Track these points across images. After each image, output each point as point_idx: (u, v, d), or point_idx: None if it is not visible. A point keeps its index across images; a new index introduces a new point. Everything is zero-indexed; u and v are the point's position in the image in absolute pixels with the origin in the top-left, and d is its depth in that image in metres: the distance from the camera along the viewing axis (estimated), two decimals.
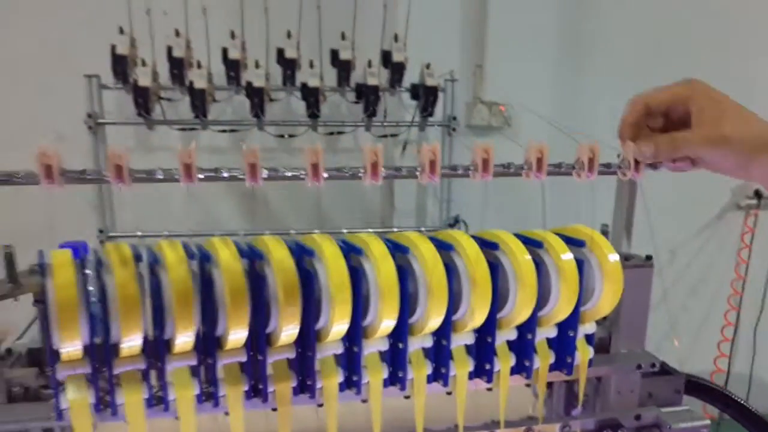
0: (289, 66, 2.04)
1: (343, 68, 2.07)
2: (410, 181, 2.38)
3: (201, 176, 0.70)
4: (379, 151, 0.67)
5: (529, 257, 0.77)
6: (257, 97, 1.96)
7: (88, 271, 0.67)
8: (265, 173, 0.69)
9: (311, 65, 2.01)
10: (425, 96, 2.12)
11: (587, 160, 0.73)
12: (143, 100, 1.88)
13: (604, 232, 0.89)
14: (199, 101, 1.92)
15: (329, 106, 2.19)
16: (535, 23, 2.51)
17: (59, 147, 0.70)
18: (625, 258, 0.90)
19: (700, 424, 0.92)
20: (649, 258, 0.90)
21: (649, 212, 0.88)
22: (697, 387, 0.98)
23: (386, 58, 2.11)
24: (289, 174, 0.69)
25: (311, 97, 2.01)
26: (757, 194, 2.78)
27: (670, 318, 2.91)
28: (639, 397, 0.94)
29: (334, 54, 2.08)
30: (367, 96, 2.06)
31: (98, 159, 2.06)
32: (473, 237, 0.79)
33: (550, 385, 0.99)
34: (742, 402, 0.99)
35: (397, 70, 2.10)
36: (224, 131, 2.15)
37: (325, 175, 0.68)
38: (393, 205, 2.49)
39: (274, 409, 0.77)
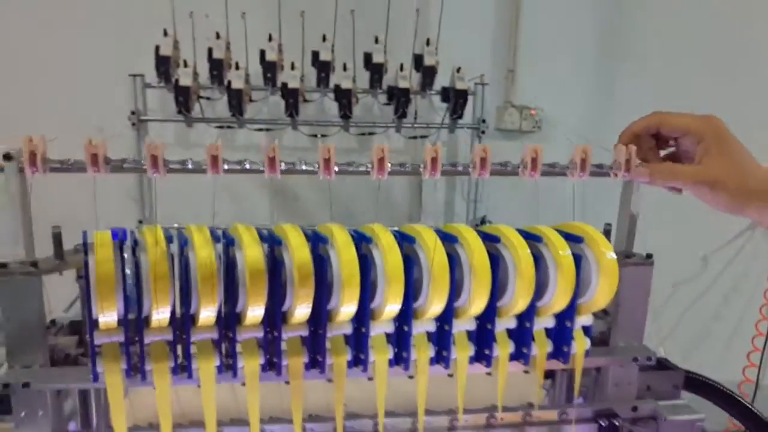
0: (323, 68, 2.13)
1: (376, 71, 2.15)
2: (440, 181, 2.43)
3: (226, 167, 0.78)
4: (386, 148, 0.74)
5: (528, 251, 0.82)
6: (292, 98, 2.05)
7: (125, 252, 0.75)
8: (283, 166, 0.76)
9: (344, 68, 2.08)
10: (455, 99, 2.17)
11: (580, 161, 0.78)
12: (184, 98, 1.99)
13: (607, 231, 0.93)
14: (236, 100, 2.01)
15: (361, 107, 2.27)
16: (569, 27, 2.54)
17: (106, 141, 0.79)
18: (626, 256, 0.94)
19: (695, 417, 0.95)
20: (649, 256, 0.94)
21: (638, 215, 0.92)
22: (696, 383, 1.02)
23: (418, 61, 2.17)
24: (304, 167, 0.76)
25: (344, 98, 2.09)
26: None
27: (701, 326, 2.90)
28: (637, 390, 0.98)
29: (367, 57, 2.15)
30: (398, 98, 2.13)
31: (140, 153, 2.18)
32: (477, 231, 0.85)
33: (551, 375, 1.04)
34: (741, 399, 1.01)
35: (428, 74, 2.16)
36: (260, 130, 2.24)
37: (336, 169, 0.75)
38: (420, 205, 2.55)
39: (287, 383, 0.84)
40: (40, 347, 0.84)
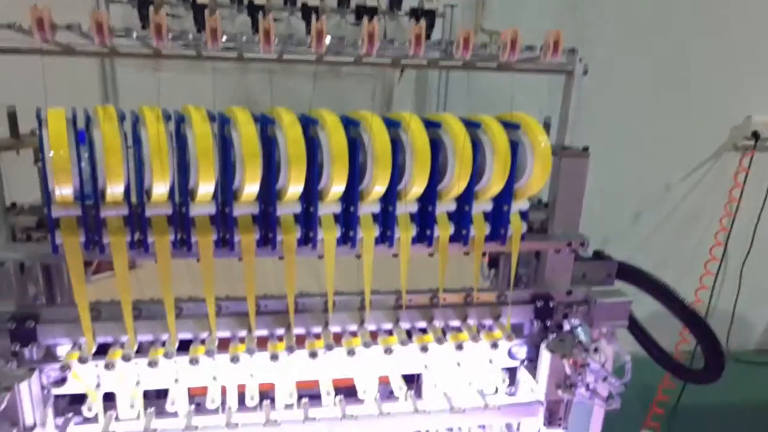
0: None
1: None
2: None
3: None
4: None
5: (466, 135, 0.87)
6: (258, 14, 2.03)
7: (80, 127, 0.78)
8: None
9: None
10: (423, 20, 2.17)
11: (510, 42, 0.82)
12: (148, 13, 1.96)
13: (546, 124, 0.98)
14: (202, 17, 1.99)
15: (329, 26, 2.25)
16: None
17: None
18: (563, 148, 0.99)
19: (624, 300, 1.03)
20: (585, 149, 0.99)
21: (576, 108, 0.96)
22: (628, 272, 1.08)
23: None
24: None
25: (311, 16, 2.08)
26: (755, 135, 2.81)
27: (661, 253, 3.01)
28: (573, 278, 1.05)
29: None
30: (366, 17, 2.12)
31: (104, 69, 2.17)
32: (420, 117, 0.89)
33: (495, 265, 1.11)
34: (666, 286, 1.09)
35: None
36: (228, 49, 2.22)
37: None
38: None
39: (281, 258, 0.89)
40: (1, 225, 0.87)
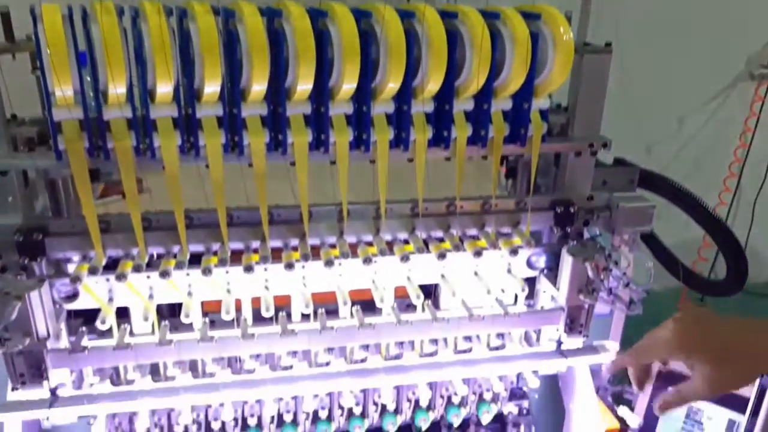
0: None
1: None
2: None
3: None
4: None
5: (484, 25, 0.82)
6: None
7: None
8: None
9: None
10: None
11: None
12: None
13: (567, 17, 0.92)
14: None
15: None
16: None
17: None
18: (585, 44, 0.94)
19: (647, 204, 0.99)
20: (608, 45, 0.94)
21: None
22: (650, 179, 1.05)
23: None
24: None
25: None
26: None
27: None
28: (593, 185, 1.01)
29: None
30: None
31: None
32: (438, 9, 0.84)
33: (513, 174, 1.07)
34: (692, 194, 1.05)
35: None
36: None
37: None
38: None
39: (293, 163, 0.86)
40: (2, 135, 0.84)
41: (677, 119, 2.82)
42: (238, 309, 0.96)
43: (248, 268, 0.89)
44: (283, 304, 0.99)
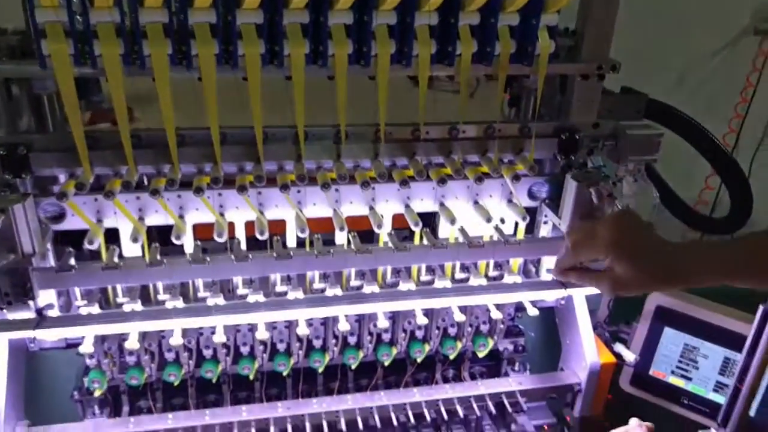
0: None
1: None
2: None
3: None
4: None
5: None
6: None
7: None
8: None
9: None
10: None
11: None
12: None
13: None
14: None
15: None
16: None
17: None
18: None
19: (654, 132, 0.96)
20: None
21: None
22: (657, 109, 1.02)
23: None
24: None
25: None
26: None
27: (670, 140, 2.94)
28: (599, 114, 0.98)
29: None
30: None
31: None
32: None
33: (517, 103, 1.04)
34: (699, 125, 1.03)
35: None
36: None
37: None
38: None
39: (289, 78, 0.82)
40: None
41: (678, 75, 2.77)
42: (232, 236, 0.93)
43: (242, 188, 0.86)
44: (278, 232, 0.96)
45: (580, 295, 1.06)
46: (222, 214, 0.92)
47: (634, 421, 0.98)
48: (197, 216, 0.92)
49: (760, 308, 0.90)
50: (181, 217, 0.92)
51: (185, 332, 0.93)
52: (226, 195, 0.92)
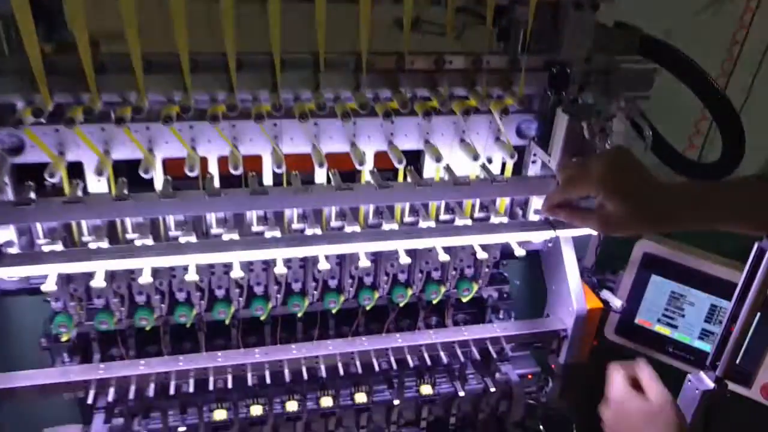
0: None
1: None
2: None
3: None
4: None
5: None
6: None
7: None
8: None
9: None
10: None
11: None
12: None
13: None
14: None
15: None
16: None
17: None
18: None
19: (647, 67, 0.93)
20: None
21: None
22: (651, 45, 0.97)
23: None
24: None
25: None
26: None
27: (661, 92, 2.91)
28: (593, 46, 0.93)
29: None
30: None
31: None
32: None
33: (506, 36, 0.98)
34: (694, 62, 0.99)
35: None
36: None
37: None
38: None
39: None
40: None
41: (664, 33, 2.73)
42: (205, 174, 0.88)
43: (214, 118, 0.81)
44: (254, 169, 0.91)
45: (567, 238, 1.03)
46: (194, 149, 0.87)
47: (641, 360, 0.95)
48: (167, 150, 0.87)
49: (756, 245, 0.87)
50: (150, 150, 0.86)
51: (156, 273, 0.88)
52: (197, 128, 0.86)
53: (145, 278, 0.83)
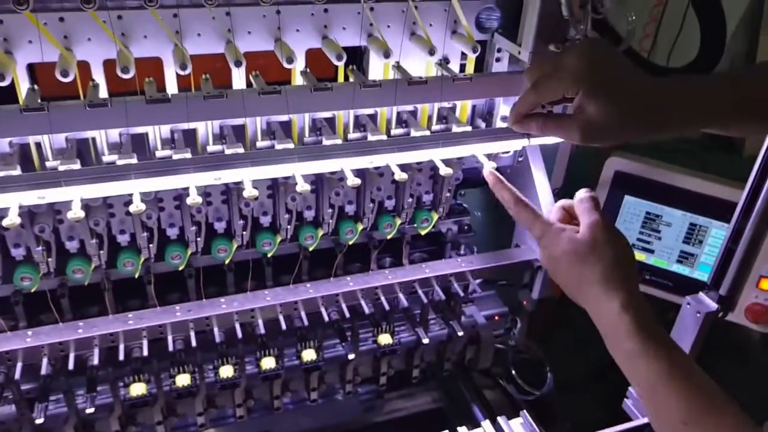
0: None
1: None
2: None
3: None
4: None
5: None
6: None
7: None
8: None
9: None
10: None
11: None
12: None
13: None
14: None
15: None
16: None
17: None
18: None
19: None
20: None
21: None
22: None
23: None
24: None
25: None
26: None
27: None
28: None
29: None
30: None
31: None
32: None
33: None
34: None
35: None
36: None
37: None
38: None
39: None
40: None
41: None
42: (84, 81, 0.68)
43: (87, 1, 0.60)
44: (150, 75, 0.71)
45: (536, 152, 0.89)
46: (68, 49, 0.67)
47: (583, 191, 0.77)
48: (34, 52, 0.66)
49: (764, 146, 0.75)
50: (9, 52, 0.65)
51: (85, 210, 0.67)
52: (70, 19, 0.66)
53: (75, 213, 0.63)
